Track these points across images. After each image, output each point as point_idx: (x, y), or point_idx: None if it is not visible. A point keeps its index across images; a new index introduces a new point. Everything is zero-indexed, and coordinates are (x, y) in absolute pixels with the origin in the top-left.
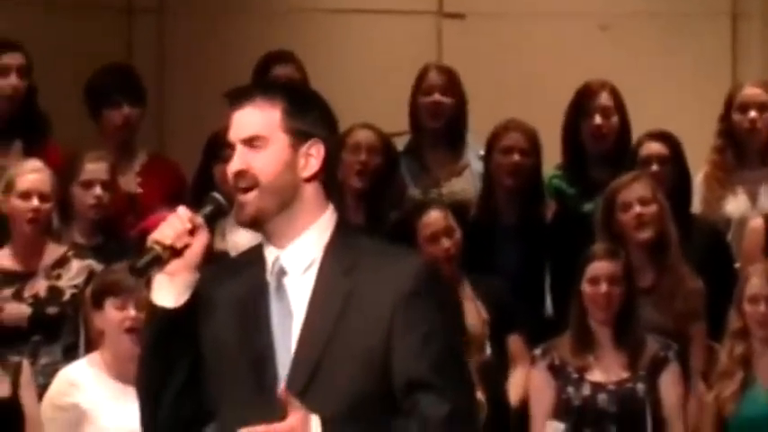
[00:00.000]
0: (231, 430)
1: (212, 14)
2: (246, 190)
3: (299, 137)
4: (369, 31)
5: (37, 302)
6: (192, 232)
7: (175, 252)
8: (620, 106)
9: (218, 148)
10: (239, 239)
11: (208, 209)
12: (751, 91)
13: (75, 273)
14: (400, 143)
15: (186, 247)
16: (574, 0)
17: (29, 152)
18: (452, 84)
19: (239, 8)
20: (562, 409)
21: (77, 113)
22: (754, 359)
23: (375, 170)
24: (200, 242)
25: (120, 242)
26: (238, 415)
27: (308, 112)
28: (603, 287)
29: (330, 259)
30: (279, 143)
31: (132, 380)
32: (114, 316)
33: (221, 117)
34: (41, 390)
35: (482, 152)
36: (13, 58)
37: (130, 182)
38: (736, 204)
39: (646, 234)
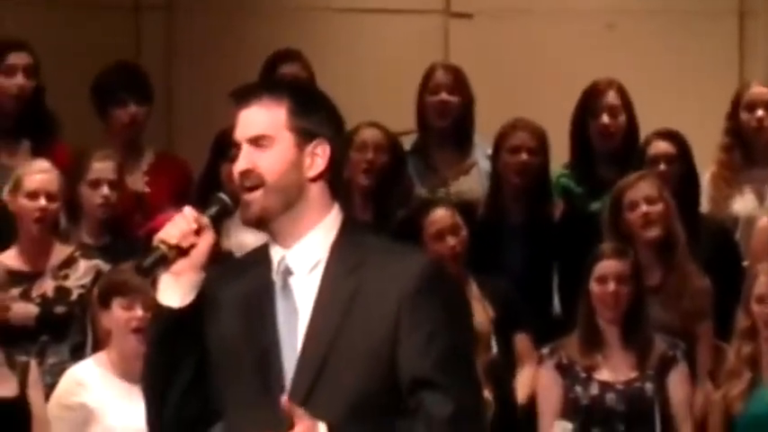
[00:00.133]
0: (237, 429)
1: (220, 12)
2: (252, 189)
3: (304, 136)
4: (376, 31)
5: (44, 302)
6: (197, 232)
7: (181, 252)
8: (627, 105)
9: (226, 146)
10: (244, 239)
11: (213, 209)
12: (758, 90)
13: (82, 273)
14: (407, 142)
15: (192, 246)
16: None
17: (37, 152)
18: (459, 83)
19: (247, 6)
20: (570, 409)
21: (85, 112)
22: (761, 359)
23: (382, 168)
24: (205, 242)
25: (128, 242)
26: (244, 414)
27: (313, 112)
28: (612, 286)
29: (336, 258)
30: (284, 142)
31: (139, 379)
32: (121, 316)
33: (229, 115)
34: (49, 389)
35: (489, 151)
36: (20, 58)
37: (138, 181)
38: (743, 203)
39: (652, 233)
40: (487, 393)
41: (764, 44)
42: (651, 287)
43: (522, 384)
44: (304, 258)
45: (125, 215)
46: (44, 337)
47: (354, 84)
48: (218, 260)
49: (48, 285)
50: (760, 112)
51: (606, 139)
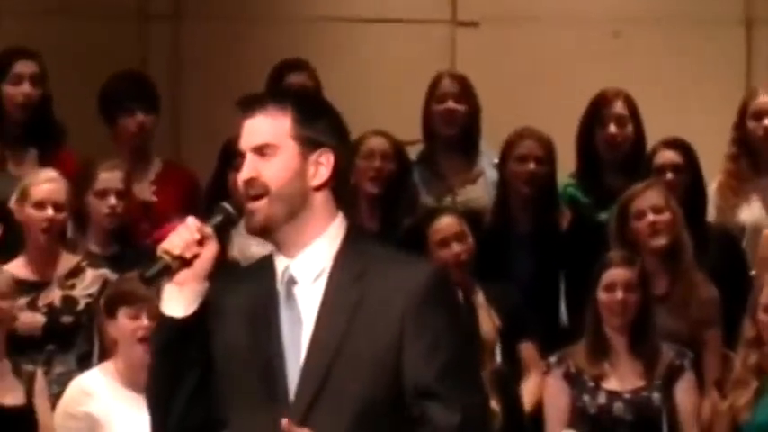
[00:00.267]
0: None
1: (227, 22)
2: (256, 198)
3: (308, 145)
4: (383, 40)
5: (51, 312)
6: (201, 242)
7: (184, 262)
8: (634, 115)
9: (233, 155)
10: (249, 248)
11: (217, 219)
12: (765, 98)
13: (89, 282)
14: (413, 152)
15: (195, 256)
16: (587, 7)
17: (43, 161)
18: (466, 91)
19: (254, 16)
20: (577, 418)
21: (92, 121)
22: None
23: (389, 176)
24: (209, 252)
25: (136, 251)
26: (248, 423)
27: (318, 121)
28: (619, 294)
29: (340, 267)
30: (288, 151)
31: (144, 388)
32: (127, 325)
33: (236, 124)
34: (55, 398)
35: (496, 160)
36: (27, 66)
37: (145, 190)
38: (750, 212)
39: (660, 242)
40: (494, 403)
41: None
42: (658, 296)
43: (529, 392)
44: (308, 267)
45: (132, 224)
46: (51, 346)
47: (361, 93)
48: (224, 269)
49: (55, 295)
50: (767, 121)
51: (613, 148)
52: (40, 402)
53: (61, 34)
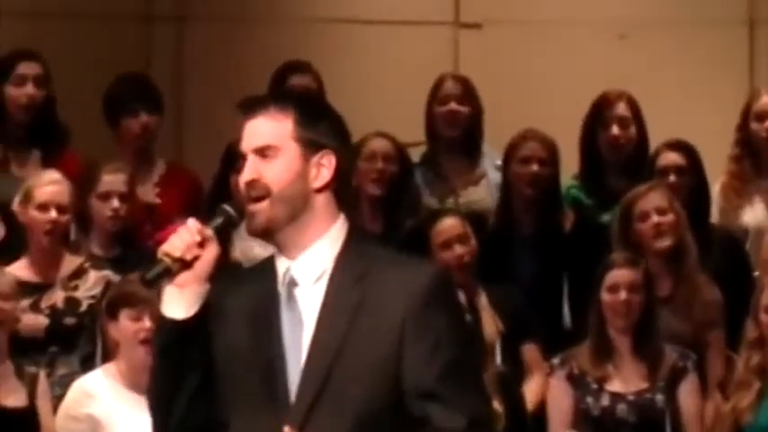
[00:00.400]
0: None
1: (231, 24)
2: (258, 199)
3: (310, 147)
4: (386, 42)
5: (54, 313)
6: (201, 244)
7: (185, 264)
8: (637, 116)
9: (236, 157)
10: (251, 250)
11: (218, 220)
12: None
13: (92, 283)
14: (416, 154)
15: (196, 258)
16: (591, 9)
17: (47, 162)
18: (468, 93)
19: (257, 18)
20: (581, 419)
21: (95, 123)
22: None
23: (391, 178)
24: (209, 254)
25: (139, 253)
26: (249, 425)
27: (319, 123)
28: (623, 295)
29: (341, 269)
30: (290, 153)
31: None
32: (129, 327)
33: (239, 126)
34: (58, 400)
35: (498, 161)
36: (30, 68)
37: (149, 192)
38: (753, 214)
39: (664, 243)
40: (497, 405)
41: None
42: (661, 298)
43: (531, 393)
44: (309, 269)
45: (136, 226)
46: (54, 348)
47: (364, 94)
48: (225, 271)
49: (57, 296)
50: None
51: (616, 150)
52: (43, 404)
53: (65, 36)
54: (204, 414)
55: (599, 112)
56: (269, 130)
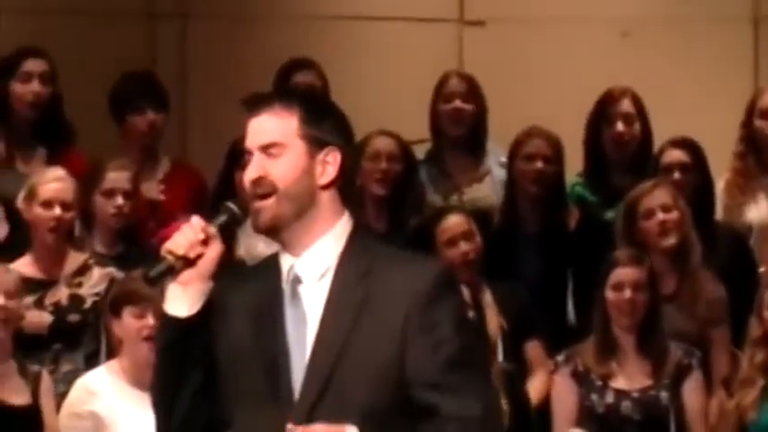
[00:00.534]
0: None
1: (234, 21)
2: (264, 197)
3: (315, 144)
4: (390, 39)
5: (58, 310)
6: (205, 242)
7: (188, 262)
8: (641, 113)
9: (241, 154)
10: (255, 247)
11: (222, 218)
12: None
13: (96, 280)
14: (420, 151)
15: (199, 256)
16: (595, 6)
17: (52, 160)
18: (473, 91)
19: (261, 15)
20: (585, 417)
21: (100, 120)
22: None
23: (395, 177)
24: (213, 252)
25: (142, 251)
26: (252, 422)
27: (324, 120)
28: (627, 293)
29: (345, 266)
30: (296, 150)
31: (149, 387)
32: (132, 324)
33: (243, 123)
34: (62, 397)
35: (503, 159)
36: (36, 65)
37: (153, 189)
38: (757, 211)
39: (669, 241)
40: (502, 402)
41: None
42: (666, 295)
43: (534, 389)
44: (313, 266)
45: (140, 223)
46: (58, 345)
47: (367, 92)
48: (230, 268)
49: (62, 293)
50: None
51: (620, 147)
52: (46, 403)
53: (69, 34)
54: (207, 412)
55: (603, 109)
56: (274, 128)
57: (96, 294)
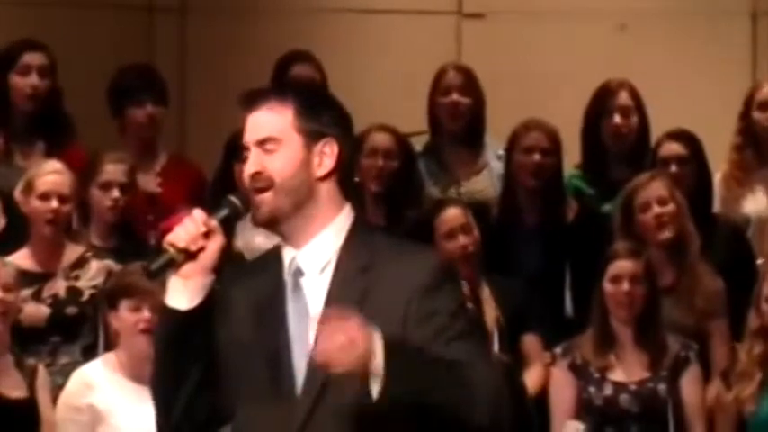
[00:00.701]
0: (247, 428)
1: (233, 14)
2: (262, 191)
3: (312, 136)
4: (388, 32)
5: (56, 303)
6: (206, 235)
7: (190, 255)
8: (639, 106)
9: (239, 147)
10: (253, 240)
11: (223, 212)
12: None
13: (93, 273)
14: (419, 143)
15: (201, 250)
16: (593, 0)
17: (51, 154)
18: (471, 84)
19: (260, 8)
20: (583, 409)
21: (97, 113)
22: None
23: (392, 173)
24: (214, 245)
25: (138, 243)
26: (254, 413)
27: (320, 112)
28: (625, 286)
29: (346, 258)
30: (292, 144)
31: (147, 380)
32: (129, 317)
33: (242, 117)
34: (60, 389)
35: (501, 151)
36: (34, 58)
37: (151, 182)
38: (754, 203)
39: (665, 234)
40: None
41: None
42: (664, 288)
43: (530, 382)
44: (315, 258)
45: (137, 217)
46: (56, 337)
47: (366, 85)
48: (229, 261)
49: (59, 286)
50: None
51: (618, 139)
52: (42, 396)
53: (67, 26)
54: (207, 405)
55: (601, 102)
56: (270, 122)
57: (94, 287)
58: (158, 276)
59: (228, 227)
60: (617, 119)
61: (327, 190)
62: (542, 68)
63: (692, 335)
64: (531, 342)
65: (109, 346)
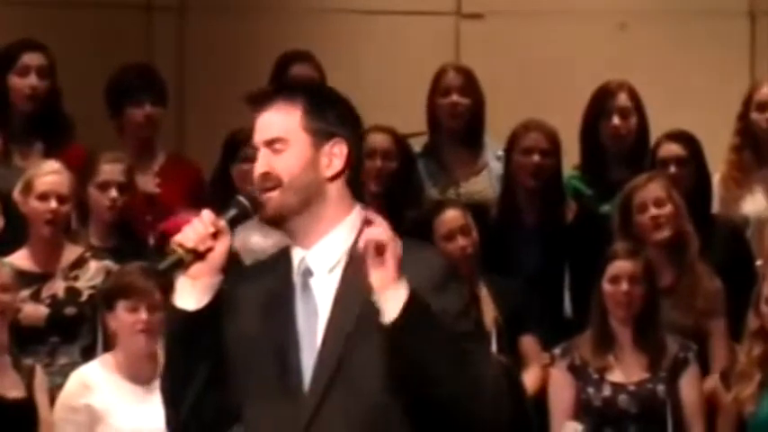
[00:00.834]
0: (255, 425)
1: (232, 13)
2: (270, 190)
3: (320, 136)
4: (387, 32)
5: (55, 303)
6: (215, 236)
7: (198, 255)
8: (638, 107)
9: (236, 148)
10: (250, 240)
11: (232, 212)
12: None
13: (92, 273)
14: (418, 143)
15: (209, 250)
16: (592, 0)
17: (50, 154)
18: (470, 84)
19: (259, 7)
20: (582, 410)
21: (96, 113)
22: None
23: (391, 174)
24: (222, 245)
25: (137, 244)
26: (261, 410)
27: (329, 112)
28: (624, 286)
29: (355, 260)
30: (300, 143)
31: (144, 380)
32: (126, 318)
33: (241, 117)
34: (59, 389)
35: (500, 152)
36: (33, 59)
37: (149, 182)
38: (753, 204)
39: (662, 235)
40: None
41: None
42: (663, 288)
43: (528, 382)
44: (324, 258)
45: (135, 216)
46: (54, 338)
47: (365, 85)
48: (238, 262)
49: (58, 286)
50: None
51: (617, 140)
52: (40, 397)
53: (66, 26)
54: (216, 403)
55: (600, 103)
56: (278, 123)
57: (93, 287)
58: (167, 276)
59: (236, 227)
60: (616, 120)
61: (337, 190)
62: (541, 69)
63: (690, 335)
64: (528, 343)
65: (108, 347)
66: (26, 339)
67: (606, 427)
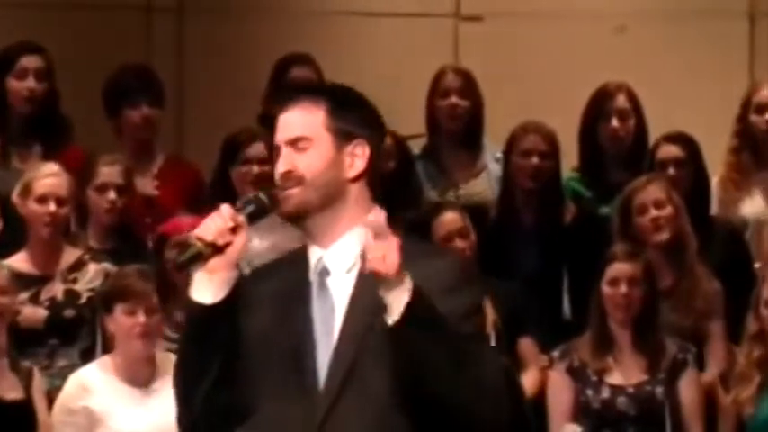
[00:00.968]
0: (268, 423)
1: (231, 15)
2: (292, 188)
3: (343, 137)
4: (386, 34)
5: (53, 306)
6: (233, 230)
7: (217, 249)
8: (637, 109)
9: (235, 150)
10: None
11: (250, 207)
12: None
13: (91, 276)
14: (417, 146)
15: (228, 244)
16: (590, 1)
17: (48, 156)
18: (469, 86)
19: (258, 9)
20: (581, 412)
21: (94, 115)
22: None
23: (389, 175)
24: (240, 240)
25: (136, 246)
26: (276, 408)
27: (352, 113)
28: (623, 288)
29: None
30: (323, 143)
31: (142, 383)
32: (124, 321)
33: (240, 118)
34: (59, 391)
35: (498, 154)
36: (32, 61)
37: (148, 184)
38: (752, 206)
39: (662, 237)
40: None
41: None
42: (662, 290)
43: (527, 385)
44: (341, 258)
45: (134, 218)
46: (53, 340)
47: (364, 87)
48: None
49: (57, 289)
50: None
51: (616, 142)
52: (38, 399)
53: (64, 28)
54: (228, 398)
55: (599, 105)
56: (301, 122)
57: (92, 290)
58: (186, 269)
59: (253, 223)
60: (615, 122)
61: (358, 191)
62: (540, 71)
63: (689, 337)
64: (527, 345)
65: (107, 349)
66: (25, 341)
67: (605, 428)
